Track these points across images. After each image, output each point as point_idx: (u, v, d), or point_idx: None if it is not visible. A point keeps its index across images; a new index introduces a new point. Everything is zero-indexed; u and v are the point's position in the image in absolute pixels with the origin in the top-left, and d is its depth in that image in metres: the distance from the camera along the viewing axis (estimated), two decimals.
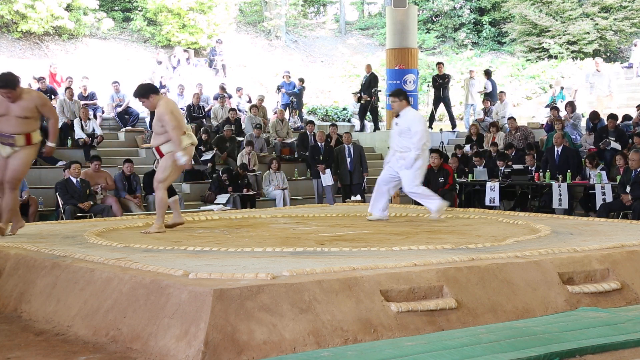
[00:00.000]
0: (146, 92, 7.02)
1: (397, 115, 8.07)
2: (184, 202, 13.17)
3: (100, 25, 24.74)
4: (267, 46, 28.36)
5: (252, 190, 13.78)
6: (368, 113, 18.56)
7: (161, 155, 7.12)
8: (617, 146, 13.01)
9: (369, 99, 17.85)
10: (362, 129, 18.63)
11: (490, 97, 18.40)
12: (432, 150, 12.63)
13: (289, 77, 19.95)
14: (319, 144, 14.75)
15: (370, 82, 17.92)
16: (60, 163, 12.99)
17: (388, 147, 16.33)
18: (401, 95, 8.03)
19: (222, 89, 18.37)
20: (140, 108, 17.43)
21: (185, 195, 13.71)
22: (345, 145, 14.33)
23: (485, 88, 18.75)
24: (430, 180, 11.85)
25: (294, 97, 19.36)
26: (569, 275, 4.91)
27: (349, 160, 14.15)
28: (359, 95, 18.45)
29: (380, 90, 18.56)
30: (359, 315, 4.09)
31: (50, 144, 7.08)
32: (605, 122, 14.50)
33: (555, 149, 12.79)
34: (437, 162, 11.86)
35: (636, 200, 10.38)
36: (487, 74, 19.12)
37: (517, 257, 4.96)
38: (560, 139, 12.84)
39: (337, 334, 3.96)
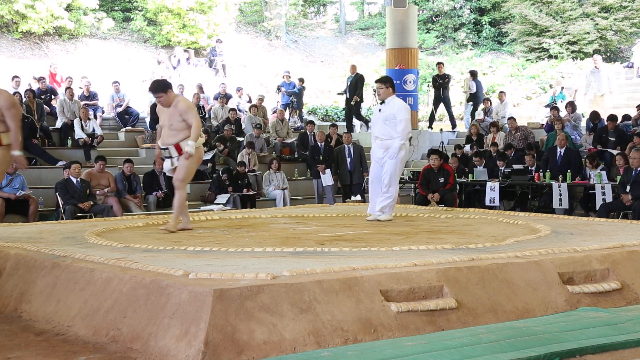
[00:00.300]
0: (165, 87, 7.03)
1: (382, 102, 8.05)
2: None
3: (100, 25, 24.75)
4: (267, 46, 28.37)
5: (252, 190, 13.78)
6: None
7: (180, 152, 7.02)
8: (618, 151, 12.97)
9: (358, 99, 17.52)
10: (351, 129, 18.28)
11: (475, 98, 18.38)
12: (432, 151, 12.61)
13: (289, 77, 19.95)
14: (319, 144, 14.75)
15: (357, 83, 17.60)
16: (60, 163, 12.99)
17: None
18: (388, 82, 8.01)
19: (200, 87, 18.48)
20: (140, 108, 17.45)
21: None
22: (345, 145, 14.34)
23: (469, 88, 18.67)
24: (431, 180, 11.84)
25: (294, 97, 19.35)
26: (569, 275, 4.91)
27: (349, 160, 14.16)
28: (345, 95, 17.94)
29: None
30: (359, 315, 4.09)
31: (14, 153, 6.24)
32: (606, 123, 14.47)
33: (558, 149, 12.75)
34: (437, 163, 11.85)
35: (636, 200, 10.38)
36: (473, 74, 19.09)
37: (517, 257, 4.96)
38: (564, 140, 12.82)
39: (337, 334, 3.96)
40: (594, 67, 17.99)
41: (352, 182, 14.13)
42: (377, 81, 8.20)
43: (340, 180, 14.30)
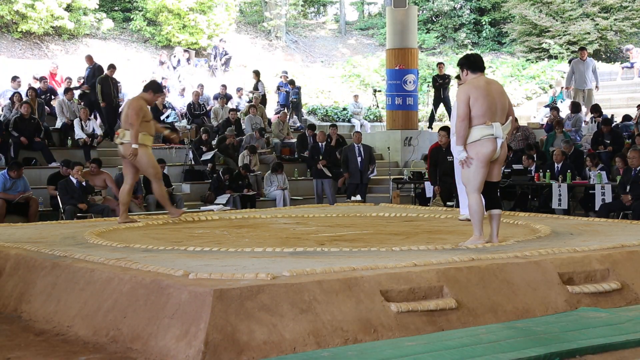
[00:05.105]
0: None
1: None
2: (184, 202, 13.17)
3: (100, 25, 24.75)
4: (267, 46, 28.36)
5: (252, 190, 13.79)
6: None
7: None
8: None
9: (87, 90, 15.95)
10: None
11: None
12: (441, 128, 11.76)
13: (287, 77, 19.95)
14: (320, 144, 14.82)
15: (94, 75, 15.96)
16: (54, 164, 13.00)
17: (388, 148, 16.47)
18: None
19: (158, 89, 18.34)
20: None
21: (185, 196, 13.71)
22: (355, 145, 14.43)
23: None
24: (439, 159, 11.06)
25: (294, 99, 19.33)
26: (569, 275, 4.90)
27: (359, 159, 14.26)
28: (81, 89, 16.20)
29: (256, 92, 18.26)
30: (359, 315, 4.09)
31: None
32: (608, 116, 14.50)
33: (556, 165, 12.52)
34: (446, 140, 10.64)
35: (636, 200, 10.38)
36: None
37: (517, 257, 4.96)
38: (560, 156, 12.56)
39: (337, 334, 3.96)
40: (579, 59, 17.02)
41: (362, 182, 14.20)
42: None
43: (350, 179, 14.36)
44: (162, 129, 8.38)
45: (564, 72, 22.59)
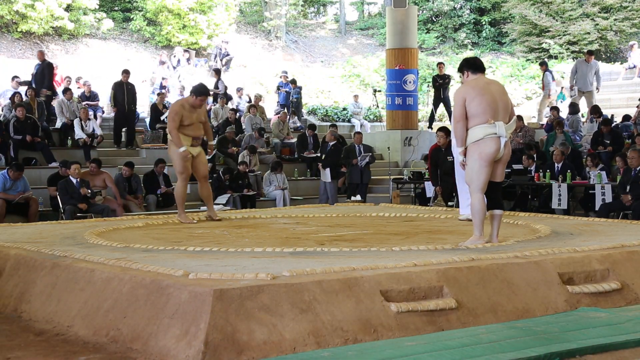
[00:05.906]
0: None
1: None
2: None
3: (100, 25, 24.75)
4: (267, 46, 28.37)
5: (252, 190, 13.79)
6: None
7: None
8: None
9: (49, 93, 15.56)
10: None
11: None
12: (439, 128, 11.90)
13: (286, 77, 19.96)
14: (329, 143, 14.92)
15: (44, 72, 15.57)
16: (54, 164, 13.00)
17: (388, 148, 16.47)
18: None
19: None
20: (140, 108, 17.41)
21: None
22: (356, 145, 14.53)
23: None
24: (439, 160, 10.95)
25: (295, 99, 19.32)
26: (569, 275, 4.90)
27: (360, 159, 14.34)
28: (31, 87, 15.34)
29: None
30: (359, 315, 4.09)
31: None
32: (608, 116, 14.44)
33: (556, 165, 12.51)
34: (444, 141, 10.67)
35: (636, 200, 10.37)
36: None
37: (517, 257, 4.96)
38: (560, 156, 12.54)
39: (337, 334, 3.96)
40: (583, 60, 17.18)
41: (362, 181, 14.24)
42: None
43: (350, 179, 14.38)
44: (211, 138, 8.69)
45: (564, 72, 22.65)
